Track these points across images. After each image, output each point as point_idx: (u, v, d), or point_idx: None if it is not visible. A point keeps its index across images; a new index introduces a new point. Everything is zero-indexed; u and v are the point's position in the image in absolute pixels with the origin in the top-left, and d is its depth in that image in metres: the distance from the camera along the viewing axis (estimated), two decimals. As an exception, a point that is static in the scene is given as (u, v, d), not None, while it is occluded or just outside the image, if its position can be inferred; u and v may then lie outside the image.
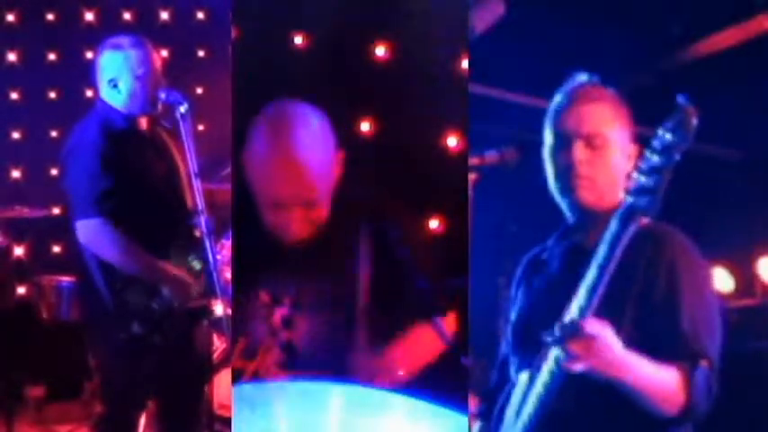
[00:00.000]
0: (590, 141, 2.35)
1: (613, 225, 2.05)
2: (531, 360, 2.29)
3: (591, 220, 2.36)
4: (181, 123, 3.47)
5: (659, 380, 2.16)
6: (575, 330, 2.03)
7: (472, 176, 2.68)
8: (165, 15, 6.72)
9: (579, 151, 2.34)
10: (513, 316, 2.52)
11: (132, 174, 3.51)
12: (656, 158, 1.96)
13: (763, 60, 4.21)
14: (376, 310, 3.01)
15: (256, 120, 3.10)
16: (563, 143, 2.37)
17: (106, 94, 3.62)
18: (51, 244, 6.23)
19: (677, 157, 1.96)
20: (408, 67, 3.87)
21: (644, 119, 2.41)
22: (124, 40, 3.64)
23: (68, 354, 4.86)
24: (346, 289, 3.03)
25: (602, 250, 2.06)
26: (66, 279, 5.07)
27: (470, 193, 2.70)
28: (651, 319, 2.22)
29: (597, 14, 4.15)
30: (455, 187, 3.19)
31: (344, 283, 3.03)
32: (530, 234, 2.63)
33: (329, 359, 2.95)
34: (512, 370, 2.48)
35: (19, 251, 6.22)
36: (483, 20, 4.22)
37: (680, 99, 1.97)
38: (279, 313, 3.03)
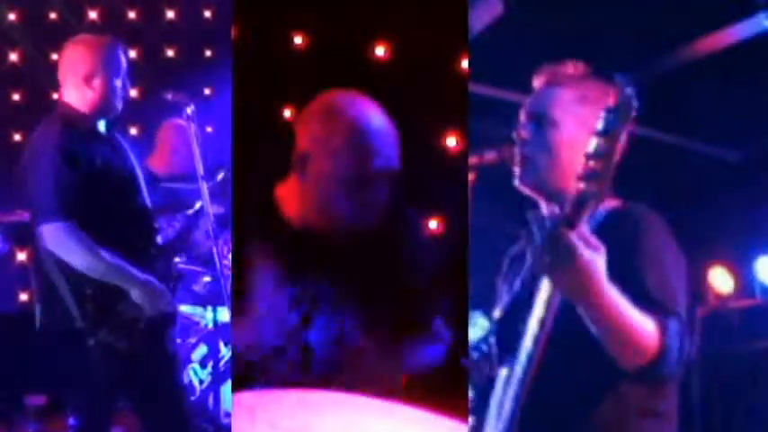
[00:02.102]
0: (537, 122, 2.35)
1: (567, 211, 2.00)
2: (512, 353, 2.25)
3: (555, 200, 2.34)
4: (189, 124, 3.44)
5: (635, 321, 2.04)
6: (555, 232, 1.95)
7: (471, 176, 2.68)
8: (170, 14, 6.62)
9: (524, 131, 2.35)
10: (496, 313, 2.49)
11: (95, 175, 3.32)
12: (601, 142, 1.96)
13: (763, 60, 4.22)
14: (376, 311, 3.01)
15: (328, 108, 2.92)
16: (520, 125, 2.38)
17: (70, 90, 3.45)
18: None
19: (621, 139, 1.94)
20: (408, 67, 3.89)
21: (643, 118, 2.41)
22: (94, 38, 3.49)
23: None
24: (349, 289, 3.02)
25: None
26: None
27: (470, 192, 2.70)
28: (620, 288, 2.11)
29: (596, 13, 4.15)
30: (455, 187, 3.20)
31: (346, 284, 3.03)
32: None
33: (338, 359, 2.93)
34: (495, 366, 2.45)
35: (21, 256, 6.14)
36: (480, 19, 4.22)
37: (618, 79, 1.96)
38: (296, 314, 2.97)
